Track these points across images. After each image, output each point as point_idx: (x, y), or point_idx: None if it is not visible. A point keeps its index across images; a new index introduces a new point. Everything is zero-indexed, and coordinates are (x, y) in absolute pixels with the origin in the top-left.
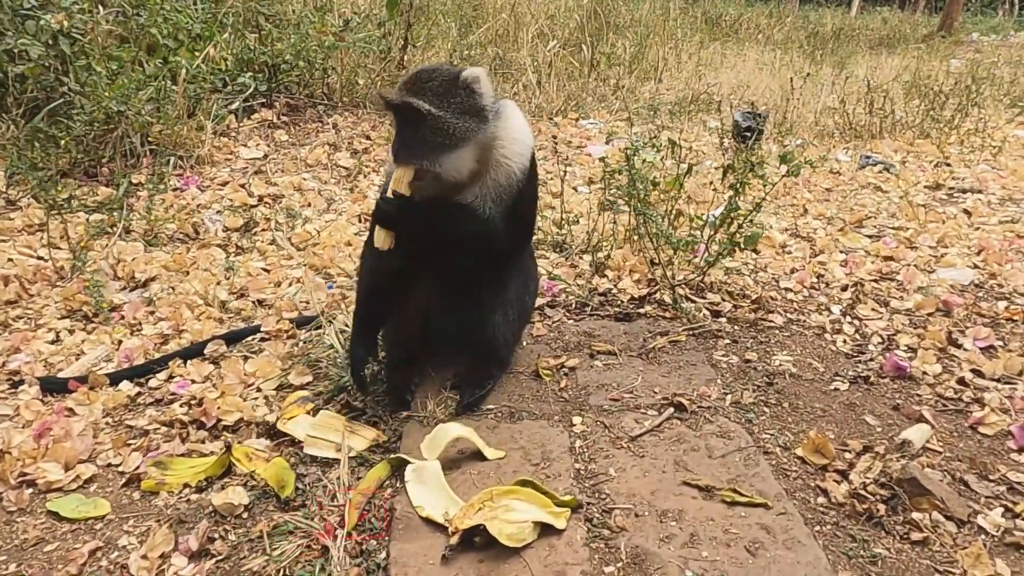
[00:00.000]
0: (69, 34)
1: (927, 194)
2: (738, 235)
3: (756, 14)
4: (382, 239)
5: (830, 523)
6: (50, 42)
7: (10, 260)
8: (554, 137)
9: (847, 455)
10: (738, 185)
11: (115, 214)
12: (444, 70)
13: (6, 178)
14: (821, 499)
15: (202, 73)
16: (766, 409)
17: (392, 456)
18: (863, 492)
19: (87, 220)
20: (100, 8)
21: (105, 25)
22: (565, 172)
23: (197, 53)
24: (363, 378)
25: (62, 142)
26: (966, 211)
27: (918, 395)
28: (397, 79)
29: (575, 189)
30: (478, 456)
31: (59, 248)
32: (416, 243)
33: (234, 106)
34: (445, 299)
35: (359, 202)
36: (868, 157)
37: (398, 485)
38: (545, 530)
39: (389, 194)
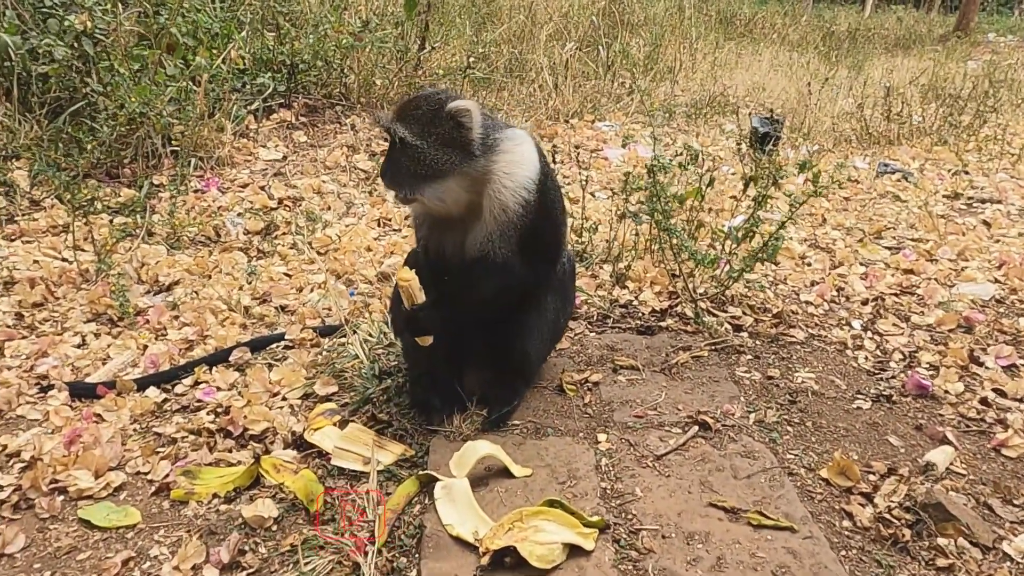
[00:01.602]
0: (92, 35)
1: (946, 204)
2: (762, 253)
3: (770, 13)
4: (422, 339)
5: (856, 548)
6: (74, 43)
7: (36, 262)
8: (575, 146)
9: (872, 477)
10: (761, 198)
11: (138, 217)
12: (434, 99)
13: (30, 178)
14: (846, 523)
15: (222, 73)
16: (789, 428)
17: (421, 472)
18: (888, 516)
19: (111, 223)
20: (121, 8)
21: (127, 25)
22: (587, 180)
23: (216, 52)
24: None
25: (88, 146)
26: (985, 222)
27: (940, 415)
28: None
29: (592, 195)
30: (505, 473)
31: (83, 250)
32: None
33: (253, 106)
34: (476, 316)
35: (378, 206)
36: (886, 165)
37: (427, 502)
38: (574, 551)
39: (407, 306)
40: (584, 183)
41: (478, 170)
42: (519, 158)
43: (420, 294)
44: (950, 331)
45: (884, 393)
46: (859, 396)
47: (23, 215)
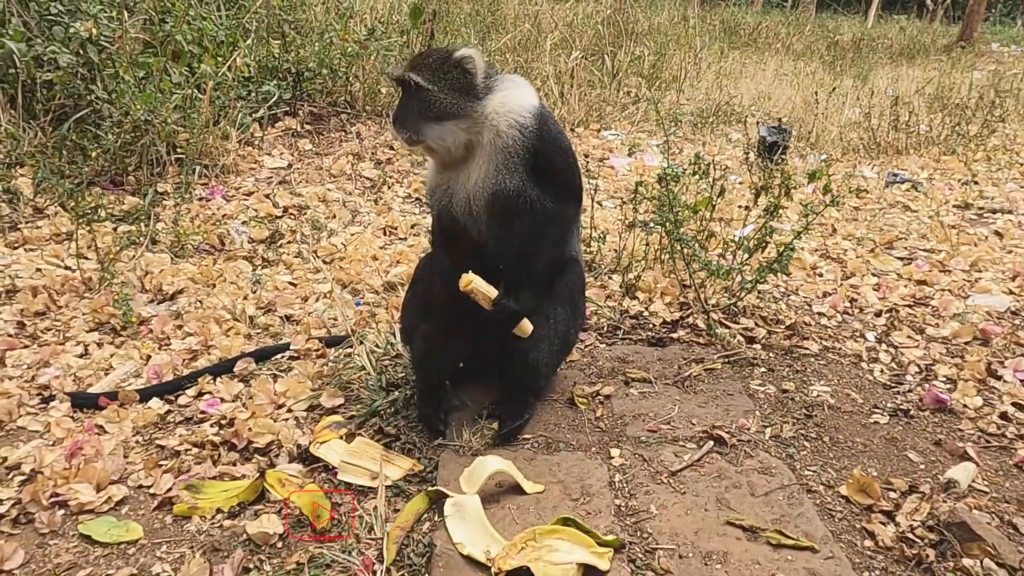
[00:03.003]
0: (97, 42)
1: (956, 214)
2: (775, 264)
3: (774, 22)
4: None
5: (878, 568)
6: (79, 50)
7: (38, 270)
8: (584, 155)
9: (892, 495)
10: (773, 208)
11: (142, 225)
12: (442, 50)
13: (34, 186)
14: (868, 542)
15: (227, 81)
16: (806, 443)
17: (430, 488)
18: (911, 536)
19: (115, 231)
20: (127, 15)
21: (132, 32)
22: (596, 188)
23: (221, 60)
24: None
25: (93, 154)
26: (997, 233)
27: (960, 430)
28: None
29: (599, 204)
30: (517, 489)
31: (86, 258)
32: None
33: (258, 114)
34: (488, 327)
35: (383, 214)
36: (895, 174)
37: (436, 519)
38: (588, 571)
39: (487, 307)
40: (594, 192)
41: (478, 111)
42: (514, 94)
43: (490, 289)
44: (966, 343)
45: (901, 407)
46: (876, 410)
47: (26, 223)
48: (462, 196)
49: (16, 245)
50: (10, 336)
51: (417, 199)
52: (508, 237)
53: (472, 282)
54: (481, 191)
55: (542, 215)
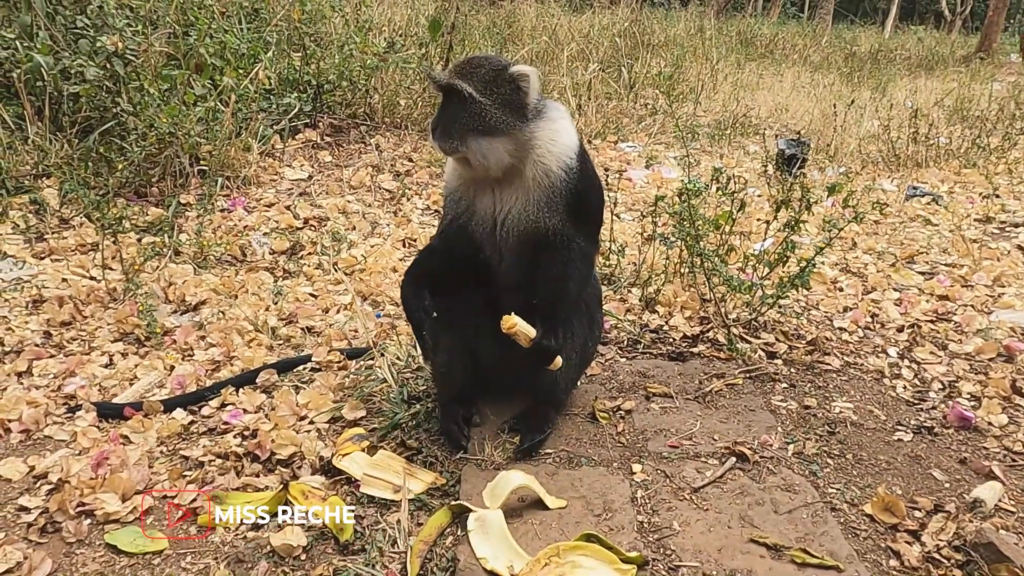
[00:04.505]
0: (123, 55)
1: (978, 228)
2: (797, 279)
3: (791, 33)
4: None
5: None
6: (105, 63)
7: (64, 281)
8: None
9: (917, 514)
10: (794, 223)
11: (166, 236)
12: (495, 61)
13: (60, 197)
14: (894, 562)
15: (249, 93)
16: (829, 460)
17: (453, 503)
18: (937, 556)
19: (139, 242)
20: (151, 29)
21: (157, 46)
22: (616, 202)
23: (243, 73)
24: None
25: (119, 167)
26: (1020, 247)
27: (985, 448)
28: (438, 100)
29: (618, 216)
30: (539, 504)
31: (111, 269)
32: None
33: (279, 126)
34: (506, 340)
35: (403, 226)
36: (915, 188)
37: (459, 533)
38: None
39: (525, 345)
40: (613, 205)
41: (525, 135)
42: (562, 127)
43: (529, 329)
44: (990, 360)
45: (925, 424)
46: (899, 427)
47: (53, 233)
48: (486, 217)
49: (43, 255)
50: (37, 346)
51: (436, 211)
52: (533, 266)
53: (516, 325)
54: (516, 222)
55: (576, 252)
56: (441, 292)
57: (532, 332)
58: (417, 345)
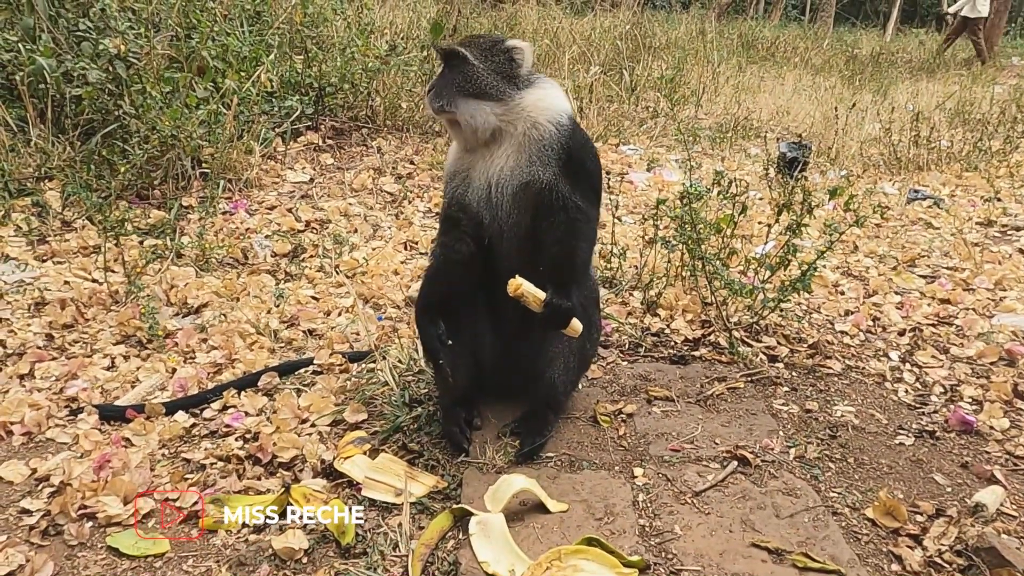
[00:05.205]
0: (125, 58)
1: (979, 231)
2: (798, 283)
3: (792, 36)
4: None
5: None
6: (108, 66)
7: (66, 283)
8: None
9: (919, 518)
10: (796, 226)
11: (168, 238)
12: (494, 36)
13: (62, 199)
14: (895, 566)
15: (251, 96)
16: (831, 464)
17: (454, 506)
18: (939, 560)
19: (141, 244)
20: (154, 32)
21: (159, 49)
22: (617, 205)
23: (245, 75)
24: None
25: (122, 169)
26: (1021, 251)
27: (987, 452)
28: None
29: (619, 219)
30: (541, 508)
31: (113, 271)
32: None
33: (281, 129)
34: (506, 343)
35: (404, 229)
36: (916, 191)
37: (461, 537)
38: None
39: (536, 309)
40: (616, 208)
41: (515, 101)
42: (552, 94)
43: (538, 291)
44: (992, 364)
45: (927, 428)
46: (901, 431)
47: (55, 235)
48: (481, 183)
49: (45, 258)
50: (39, 348)
51: (437, 213)
52: (537, 233)
53: (521, 286)
54: (508, 180)
55: (576, 212)
56: (449, 309)
57: (541, 295)
58: (431, 366)
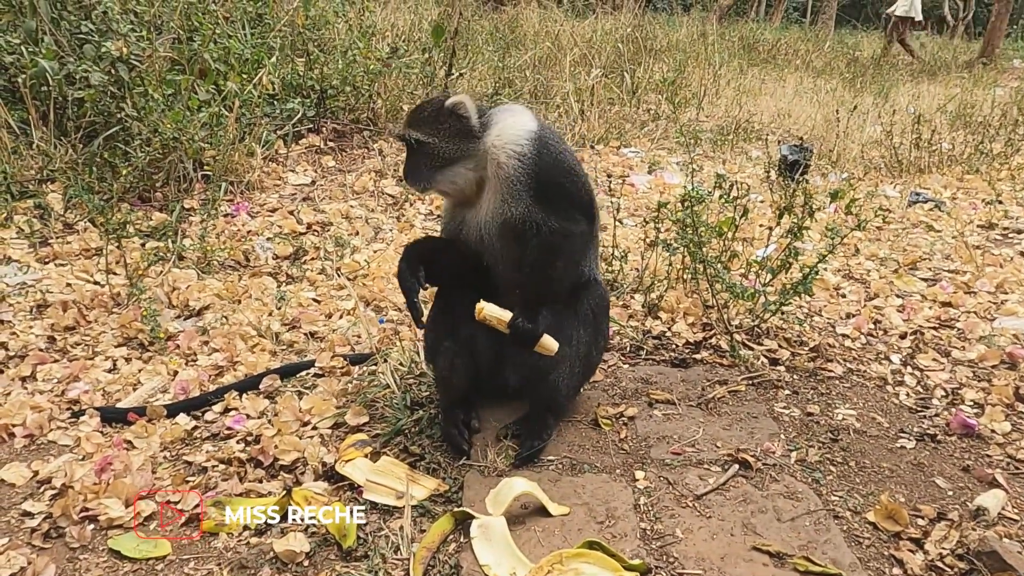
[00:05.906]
0: (127, 60)
1: (981, 234)
2: (800, 286)
3: (793, 39)
4: (543, 347)
5: None
6: (110, 69)
7: (68, 285)
8: (607, 175)
9: (920, 522)
10: (797, 230)
11: (169, 241)
12: (435, 101)
13: (64, 201)
14: (896, 570)
15: (252, 98)
16: (832, 468)
17: (456, 509)
18: (940, 564)
19: (143, 246)
20: (156, 34)
21: (161, 51)
22: (619, 208)
23: (247, 78)
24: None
25: (124, 171)
26: (1023, 253)
27: (988, 456)
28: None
29: (620, 222)
30: (542, 511)
31: (115, 274)
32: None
33: (283, 131)
34: (509, 346)
35: (406, 231)
36: (918, 194)
37: (462, 540)
38: None
39: (504, 330)
40: (617, 210)
41: (480, 148)
42: (509, 123)
43: (504, 313)
44: (993, 367)
45: (928, 432)
46: (902, 435)
47: (57, 238)
48: (473, 226)
49: (47, 260)
50: (41, 350)
51: (438, 216)
52: (520, 259)
53: (484, 309)
54: (492, 221)
55: (549, 235)
56: (442, 274)
57: (507, 316)
58: (421, 343)
